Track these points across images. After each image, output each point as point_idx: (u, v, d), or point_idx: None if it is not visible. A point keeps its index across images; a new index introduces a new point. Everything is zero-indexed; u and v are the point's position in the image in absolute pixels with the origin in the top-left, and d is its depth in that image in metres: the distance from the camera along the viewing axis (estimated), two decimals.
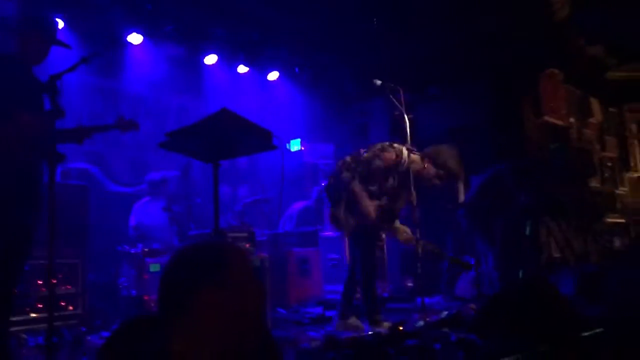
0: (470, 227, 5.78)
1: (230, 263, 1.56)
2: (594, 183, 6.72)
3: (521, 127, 6.30)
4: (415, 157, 4.17)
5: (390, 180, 4.15)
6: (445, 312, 4.69)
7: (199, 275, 1.51)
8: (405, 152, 4.12)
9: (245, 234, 5.15)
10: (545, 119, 6.34)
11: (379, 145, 4.22)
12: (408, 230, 4.28)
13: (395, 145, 4.19)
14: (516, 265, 5.11)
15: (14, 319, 3.77)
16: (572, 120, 6.92)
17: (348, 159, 4.22)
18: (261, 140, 3.14)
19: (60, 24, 5.28)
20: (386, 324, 4.13)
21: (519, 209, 5.31)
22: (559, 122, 6.57)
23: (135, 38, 5.87)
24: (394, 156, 4.10)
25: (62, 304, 4.61)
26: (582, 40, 6.71)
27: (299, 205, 7.40)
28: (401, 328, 4.00)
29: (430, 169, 4.16)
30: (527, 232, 5.42)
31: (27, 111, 3.07)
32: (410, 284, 6.73)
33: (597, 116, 7.63)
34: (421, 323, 3.89)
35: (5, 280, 3.06)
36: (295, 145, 7.77)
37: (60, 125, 3.15)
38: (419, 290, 4.11)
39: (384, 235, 6.46)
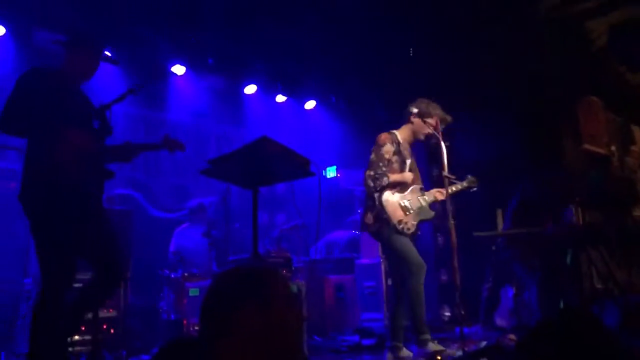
0: (510, 256, 5.68)
1: (270, 287, 1.59)
2: (638, 212, 6.53)
3: (560, 156, 6.21)
4: (403, 127, 4.45)
5: (407, 160, 4.39)
6: (484, 343, 4.60)
7: (239, 299, 1.54)
8: (393, 131, 4.42)
9: (282, 260, 5.20)
10: (585, 147, 6.23)
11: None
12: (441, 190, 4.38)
13: None
14: (556, 295, 4.99)
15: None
16: (613, 148, 6.78)
17: (364, 173, 4.30)
18: (299, 167, 3.20)
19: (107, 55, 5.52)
20: (433, 345, 4.06)
21: (556, 237, 5.21)
22: (600, 151, 6.44)
23: (178, 69, 6.10)
24: (385, 134, 4.36)
25: (104, 326, 4.73)
26: (623, 68, 6.61)
27: (336, 234, 7.41)
28: (439, 358, 3.95)
29: (418, 122, 4.35)
30: (568, 261, 5.30)
31: (76, 126, 3.09)
32: (447, 313, 6.64)
33: (639, 144, 7.45)
34: (460, 353, 3.84)
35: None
36: (331, 172, 7.84)
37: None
38: (458, 319, 4.04)
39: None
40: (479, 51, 6.40)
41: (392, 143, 4.34)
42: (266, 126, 6.88)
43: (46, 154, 2.97)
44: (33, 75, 3.16)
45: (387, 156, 4.28)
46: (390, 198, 4.20)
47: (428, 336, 4.11)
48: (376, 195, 4.20)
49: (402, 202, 4.24)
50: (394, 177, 4.25)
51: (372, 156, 4.30)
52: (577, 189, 5.86)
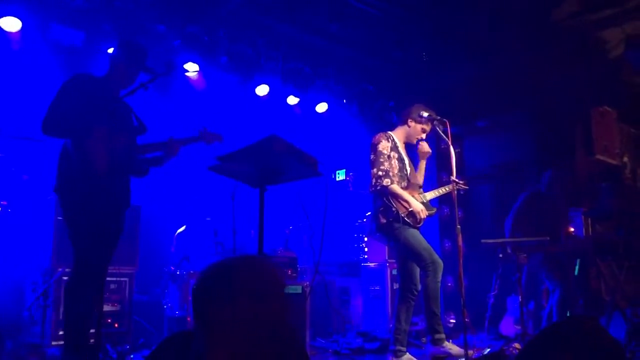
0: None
1: (259, 277, 1.60)
2: None
3: (571, 165, 6.17)
4: (398, 128, 4.59)
5: (404, 158, 4.47)
6: (488, 350, 4.58)
7: (228, 287, 1.55)
8: (388, 132, 4.54)
9: (287, 260, 5.20)
10: (597, 157, 6.18)
11: None
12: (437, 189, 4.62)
13: None
14: (565, 304, 4.94)
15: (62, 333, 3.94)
16: (625, 159, 6.73)
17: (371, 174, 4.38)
18: (307, 167, 3.19)
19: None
20: (449, 345, 4.05)
21: (564, 248, 5.17)
22: (612, 161, 6.39)
23: (191, 66, 6.09)
24: (379, 133, 4.46)
25: (109, 320, 4.74)
26: (639, 78, 6.55)
27: (344, 237, 7.35)
28: None
29: (414, 126, 4.50)
30: (575, 272, 5.25)
31: (112, 131, 3.24)
32: (453, 320, 6.61)
33: None
34: None
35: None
36: (340, 175, 7.82)
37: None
38: (462, 326, 4.00)
39: None
40: (492, 57, 6.38)
41: (387, 140, 4.41)
42: (276, 127, 6.86)
43: (80, 155, 3.13)
44: (76, 82, 3.31)
45: (385, 151, 4.34)
46: (398, 191, 4.24)
47: (443, 335, 4.11)
48: (382, 191, 4.24)
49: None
50: (399, 189, 4.25)
51: (372, 156, 4.37)
52: (587, 199, 5.82)
